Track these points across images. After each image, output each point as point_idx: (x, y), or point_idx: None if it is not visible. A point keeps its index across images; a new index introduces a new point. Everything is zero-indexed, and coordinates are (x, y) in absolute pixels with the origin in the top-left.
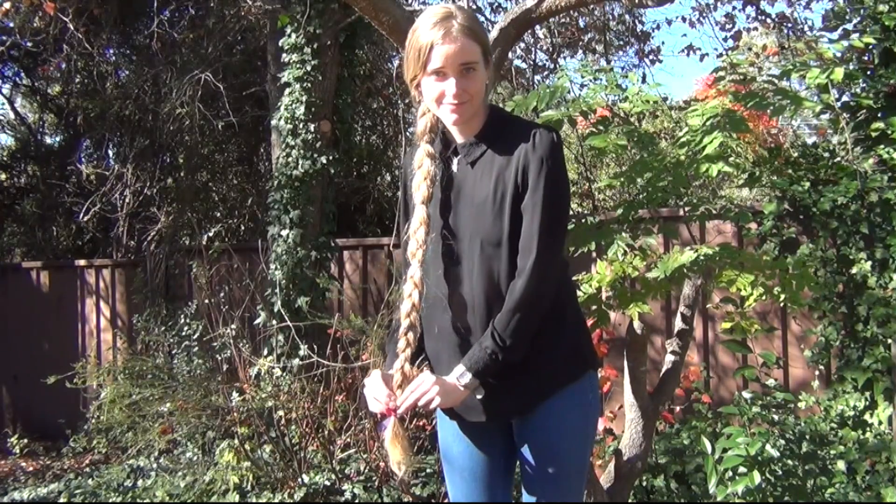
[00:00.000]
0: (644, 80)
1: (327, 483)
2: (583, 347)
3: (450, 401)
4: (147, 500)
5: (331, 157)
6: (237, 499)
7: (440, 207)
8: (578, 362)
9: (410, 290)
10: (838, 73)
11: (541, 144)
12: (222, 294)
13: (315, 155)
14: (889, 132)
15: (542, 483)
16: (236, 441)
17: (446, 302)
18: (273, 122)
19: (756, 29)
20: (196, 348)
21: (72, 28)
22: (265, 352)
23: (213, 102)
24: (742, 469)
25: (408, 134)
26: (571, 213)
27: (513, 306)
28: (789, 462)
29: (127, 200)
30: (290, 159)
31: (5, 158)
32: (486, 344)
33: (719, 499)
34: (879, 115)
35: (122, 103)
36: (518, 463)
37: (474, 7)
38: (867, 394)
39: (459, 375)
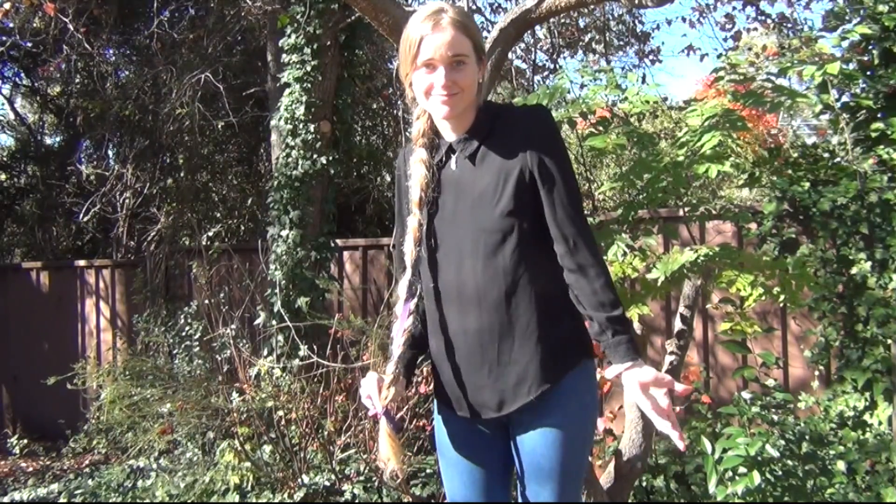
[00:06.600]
0: (644, 81)
1: (327, 483)
2: (580, 333)
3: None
4: (147, 500)
5: (331, 158)
6: (237, 499)
7: (437, 210)
8: (576, 350)
9: (405, 295)
10: (833, 67)
11: (542, 126)
12: (222, 294)
13: (315, 155)
14: (889, 132)
15: (539, 482)
16: (236, 441)
17: (456, 301)
18: (273, 123)
19: (756, 29)
20: (196, 348)
21: (72, 28)
22: (265, 352)
23: (213, 102)
24: (742, 469)
25: (407, 134)
26: None
27: (598, 287)
28: (789, 462)
29: (127, 201)
30: (289, 159)
31: (5, 158)
32: (618, 336)
33: (719, 499)
34: (879, 115)
35: (122, 103)
36: (516, 462)
37: (474, 7)
38: (867, 394)
39: (637, 365)
